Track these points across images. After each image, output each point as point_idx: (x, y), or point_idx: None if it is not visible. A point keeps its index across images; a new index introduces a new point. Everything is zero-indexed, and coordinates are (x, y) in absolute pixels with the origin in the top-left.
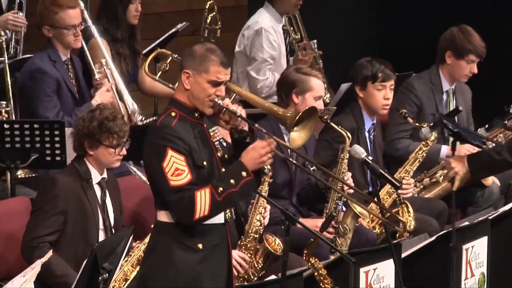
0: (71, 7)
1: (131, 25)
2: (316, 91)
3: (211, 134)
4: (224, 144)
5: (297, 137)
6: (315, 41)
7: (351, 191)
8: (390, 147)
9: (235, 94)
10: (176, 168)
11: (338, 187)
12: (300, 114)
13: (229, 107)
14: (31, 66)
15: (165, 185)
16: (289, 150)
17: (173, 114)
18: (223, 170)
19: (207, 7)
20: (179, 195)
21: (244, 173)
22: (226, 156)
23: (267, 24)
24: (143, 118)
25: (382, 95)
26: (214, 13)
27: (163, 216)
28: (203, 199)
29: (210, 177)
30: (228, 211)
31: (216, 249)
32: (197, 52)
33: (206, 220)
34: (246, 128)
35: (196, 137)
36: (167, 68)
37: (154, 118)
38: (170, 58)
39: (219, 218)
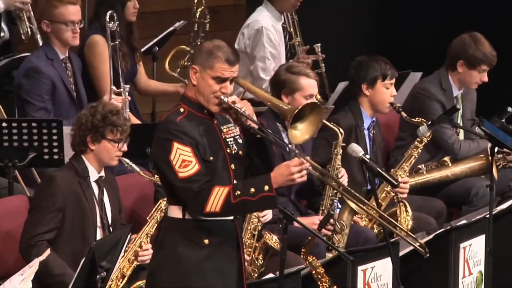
0: (71, 2)
1: (129, 22)
2: (306, 90)
3: (225, 130)
4: (240, 141)
5: (297, 134)
6: (319, 44)
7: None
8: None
9: (245, 91)
10: (183, 159)
11: (334, 184)
12: (299, 108)
13: (235, 105)
14: (27, 64)
15: (174, 178)
16: (287, 148)
17: (181, 110)
18: (233, 166)
19: (195, 1)
20: (189, 185)
21: (266, 187)
22: (240, 152)
23: (267, 23)
24: None
25: (389, 92)
26: (202, 7)
27: (172, 211)
28: (218, 195)
29: (216, 172)
30: None
31: (223, 245)
32: (205, 48)
33: (217, 216)
34: (255, 126)
35: (201, 132)
36: (186, 64)
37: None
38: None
39: None
